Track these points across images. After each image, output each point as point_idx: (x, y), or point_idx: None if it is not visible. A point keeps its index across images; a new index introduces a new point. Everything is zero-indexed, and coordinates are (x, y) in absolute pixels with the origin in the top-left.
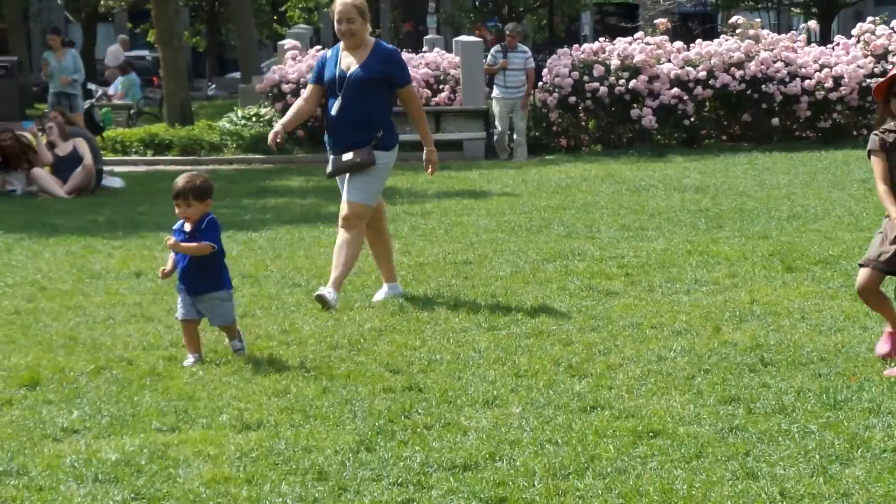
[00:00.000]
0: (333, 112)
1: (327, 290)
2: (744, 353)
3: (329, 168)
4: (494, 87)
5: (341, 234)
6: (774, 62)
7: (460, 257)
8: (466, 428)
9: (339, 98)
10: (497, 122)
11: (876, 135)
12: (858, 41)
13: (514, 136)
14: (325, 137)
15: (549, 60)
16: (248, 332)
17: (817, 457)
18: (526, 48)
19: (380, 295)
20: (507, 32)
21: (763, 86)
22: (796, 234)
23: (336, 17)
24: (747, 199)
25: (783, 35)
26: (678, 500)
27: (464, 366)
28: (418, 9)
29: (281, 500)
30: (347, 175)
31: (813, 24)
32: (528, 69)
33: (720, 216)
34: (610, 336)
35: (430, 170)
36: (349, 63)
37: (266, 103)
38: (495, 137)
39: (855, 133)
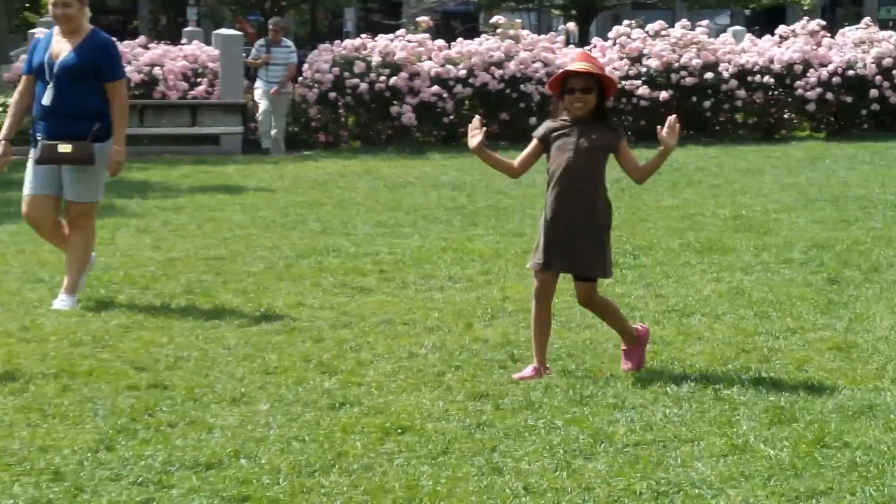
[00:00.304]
0: (46, 102)
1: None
2: (494, 350)
3: (39, 155)
4: (257, 79)
5: (71, 236)
6: (533, 62)
7: (212, 253)
8: (212, 426)
9: (51, 86)
10: (260, 105)
11: (546, 125)
12: (615, 44)
13: (272, 132)
14: (36, 125)
15: (309, 56)
16: None
17: (562, 451)
18: (290, 42)
19: (58, 303)
20: (271, 27)
21: (522, 85)
22: None
23: (52, 1)
24: (503, 198)
25: (543, 36)
26: (423, 496)
27: (212, 363)
28: (179, 0)
29: (13, 501)
30: (62, 171)
31: (572, 25)
32: (289, 63)
33: (476, 214)
34: (362, 333)
35: (110, 171)
36: (60, 49)
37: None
38: (259, 120)
39: None
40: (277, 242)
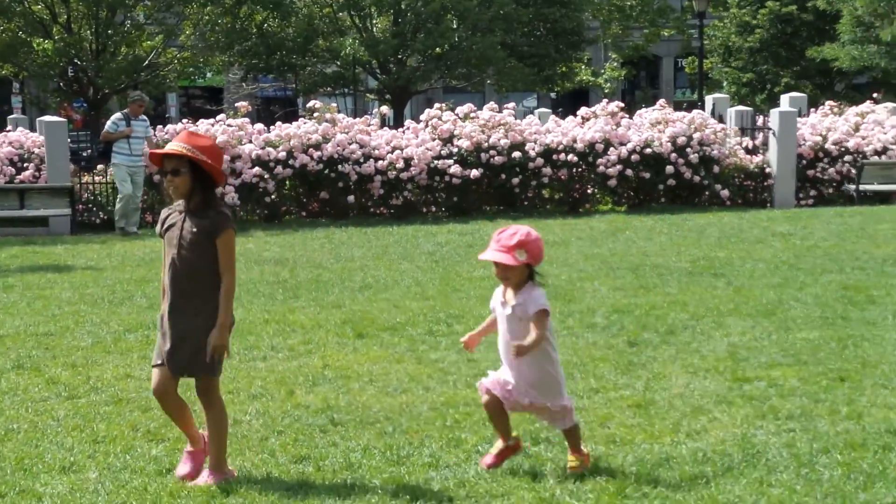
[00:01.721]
0: None
1: None
2: (315, 415)
3: None
4: (115, 154)
5: None
6: (350, 144)
7: (42, 329)
8: (41, 494)
9: None
10: (122, 188)
11: (162, 215)
12: (427, 125)
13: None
14: None
15: None
16: None
17: None
18: (146, 117)
19: None
20: (131, 100)
21: (339, 166)
22: (367, 303)
23: None
24: (323, 271)
25: (358, 119)
26: None
27: (42, 434)
28: (3, 89)
29: None
30: None
31: (385, 109)
32: (148, 136)
33: (297, 287)
34: (187, 401)
35: None
36: None
37: None
38: (119, 204)
39: (424, 210)
40: (105, 318)
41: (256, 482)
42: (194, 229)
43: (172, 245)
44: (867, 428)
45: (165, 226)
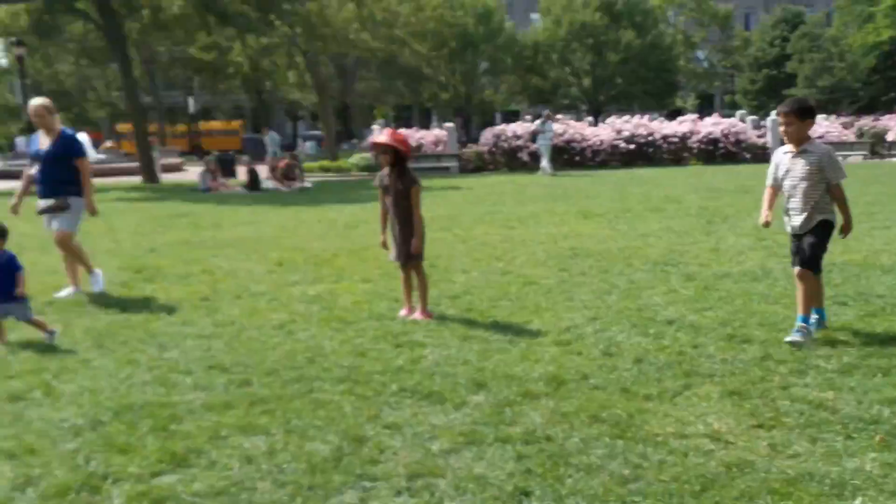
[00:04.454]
0: (37, 173)
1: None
2: None
3: (39, 207)
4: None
5: (62, 254)
6: None
7: None
8: None
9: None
10: None
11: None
12: None
13: None
14: (37, 188)
15: None
16: None
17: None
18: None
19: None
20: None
21: None
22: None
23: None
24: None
25: None
26: None
27: None
28: None
29: None
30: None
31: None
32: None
33: None
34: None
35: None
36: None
37: None
38: None
39: None
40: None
41: None
42: (399, 185)
43: (389, 193)
44: None
45: (384, 182)
